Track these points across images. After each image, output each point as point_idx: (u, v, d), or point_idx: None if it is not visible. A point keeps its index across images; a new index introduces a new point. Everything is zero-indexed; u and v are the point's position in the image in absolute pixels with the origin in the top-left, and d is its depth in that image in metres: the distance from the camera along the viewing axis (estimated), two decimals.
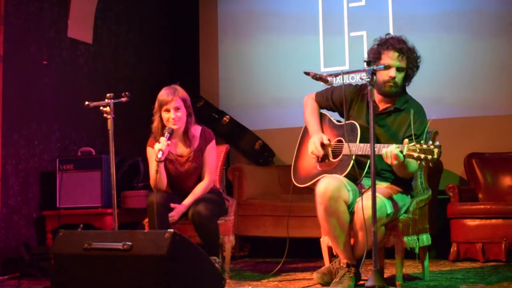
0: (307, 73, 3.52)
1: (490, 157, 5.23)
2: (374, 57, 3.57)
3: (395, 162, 3.22)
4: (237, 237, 5.16)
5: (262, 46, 6.34)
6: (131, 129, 5.93)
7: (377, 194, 3.31)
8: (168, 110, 3.93)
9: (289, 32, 6.22)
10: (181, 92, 3.99)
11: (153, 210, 3.75)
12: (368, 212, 3.20)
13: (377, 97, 3.64)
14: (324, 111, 3.86)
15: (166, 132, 3.86)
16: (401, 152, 3.18)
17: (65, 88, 5.39)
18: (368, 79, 3.24)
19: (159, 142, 3.83)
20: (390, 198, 3.43)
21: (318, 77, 3.50)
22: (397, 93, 3.60)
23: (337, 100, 3.76)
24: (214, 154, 4.15)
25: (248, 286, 3.78)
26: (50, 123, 5.23)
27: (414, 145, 3.14)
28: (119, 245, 2.70)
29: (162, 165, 3.89)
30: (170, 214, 3.90)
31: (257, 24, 6.39)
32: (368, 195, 3.22)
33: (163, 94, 3.96)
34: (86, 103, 3.75)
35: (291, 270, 4.43)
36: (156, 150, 3.80)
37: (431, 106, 5.37)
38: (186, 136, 4.04)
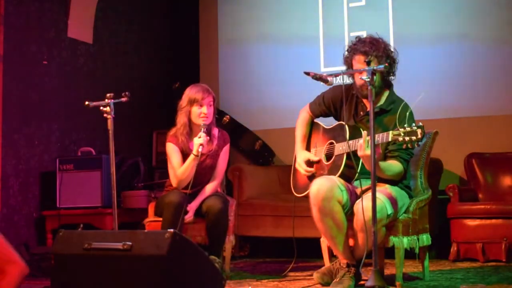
0: (307, 73, 3.52)
1: (490, 157, 5.23)
2: (347, 65, 3.62)
3: (367, 152, 3.23)
4: (237, 237, 5.15)
5: (262, 46, 6.34)
6: (131, 129, 5.93)
7: (376, 196, 3.31)
8: (201, 105, 4.01)
9: (289, 32, 6.22)
10: (212, 91, 4.12)
11: (176, 211, 3.80)
12: (369, 213, 3.19)
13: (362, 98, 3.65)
14: (317, 120, 3.89)
15: (203, 128, 3.96)
16: (377, 141, 3.22)
17: (65, 88, 5.39)
18: (368, 79, 3.24)
19: (199, 137, 3.92)
20: (389, 198, 3.43)
21: (318, 77, 3.51)
22: (378, 92, 3.59)
23: (329, 103, 3.79)
24: (227, 158, 4.24)
25: (248, 286, 3.78)
26: (50, 123, 5.23)
27: (398, 129, 3.15)
28: (119, 245, 2.70)
29: (196, 160, 3.93)
30: (188, 215, 3.97)
31: (257, 24, 6.38)
32: (368, 196, 3.21)
33: (198, 90, 4.05)
34: (86, 103, 3.75)
35: (291, 270, 4.42)
36: (196, 145, 3.90)
37: (431, 106, 5.41)
38: (208, 135, 4.10)
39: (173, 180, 4.04)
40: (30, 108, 5.06)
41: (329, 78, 3.51)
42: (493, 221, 4.67)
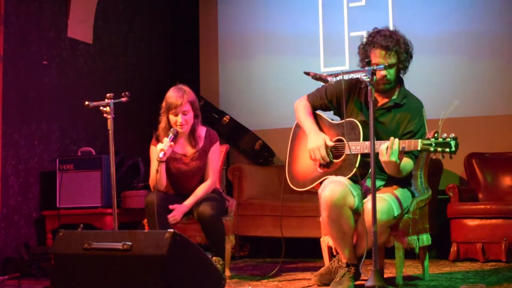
0: (307, 73, 3.50)
1: (490, 157, 5.23)
2: (363, 56, 3.54)
3: (393, 159, 3.21)
4: (237, 237, 5.15)
5: (262, 46, 6.34)
6: (131, 129, 5.93)
7: (384, 197, 3.32)
8: (176, 114, 3.95)
9: (289, 32, 6.22)
10: (189, 94, 4.01)
11: (151, 210, 3.79)
12: (377, 215, 3.20)
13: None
14: (318, 112, 3.76)
15: (171, 134, 3.89)
16: (403, 148, 3.21)
17: (65, 88, 5.39)
18: (368, 79, 3.23)
19: (162, 142, 3.86)
20: (396, 199, 3.44)
21: (318, 77, 3.48)
22: (393, 87, 3.57)
23: (332, 96, 3.68)
24: (218, 156, 4.20)
25: (248, 286, 3.78)
26: (50, 123, 5.23)
27: (428, 139, 3.14)
28: (119, 245, 2.71)
29: (163, 165, 3.91)
30: (170, 215, 3.93)
31: (257, 24, 6.39)
32: (376, 198, 3.20)
33: (172, 96, 3.97)
34: (86, 103, 3.75)
35: (291, 270, 4.43)
36: (158, 150, 3.84)
37: (431, 106, 5.39)
38: (192, 136, 4.08)
39: (150, 182, 4.02)
40: (30, 108, 5.05)
41: (329, 78, 3.49)
42: (493, 221, 4.67)
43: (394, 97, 3.57)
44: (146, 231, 3.45)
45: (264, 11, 6.37)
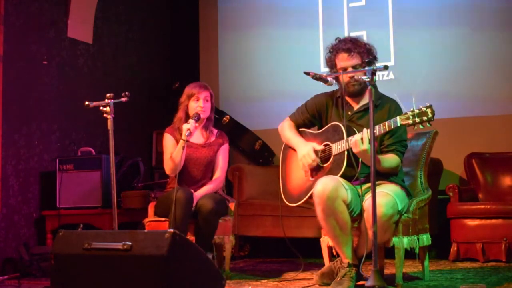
0: (307, 73, 3.52)
1: (490, 157, 5.23)
2: (331, 65, 3.66)
3: (356, 149, 3.27)
4: (237, 237, 5.15)
5: (262, 46, 6.34)
6: (131, 129, 5.93)
7: (386, 192, 3.34)
8: (197, 99, 4.15)
9: (289, 32, 6.22)
10: (210, 88, 4.27)
11: (182, 206, 3.82)
12: (381, 209, 3.22)
13: (348, 98, 3.65)
14: (301, 129, 3.84)
15: (195, 116, 4.09)
16: (384, 129, 3.27)
17: (65, 88, 5.39)
18: (368, 79, 3.23)
19: (187, 123, 4.05)
20: (402, 190, 3.47)
21: (318, 77, 3.51)
22: (363, 89, 3.61)
23: (313, 110, 3.78)
24: (227, 156, 4.31)
25: (248, 286, 3.78)
26: (50, 123, 5.23)
27: (406, 113, 3.18)
28: (119, 245, 2.71)
29: (184, 144, 4.03)
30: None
31: (257, 25, 6.38)
32: (378, 193, 3.21)
33: (195, 86, 4.22)
34: (86, 103, 3.75)
35: (291, 270, 4.43)
36: (184, 130, 4.00)
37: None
38: (205, 128, 4.26)
39: (166, 166, 4.11)
40: (30, 108, 5.06)
41: (329, 78, 3.52)
42: (493, 221, 4.67)
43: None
44: (146, 231, 3.45)
45: (264, 12, 6.37)
